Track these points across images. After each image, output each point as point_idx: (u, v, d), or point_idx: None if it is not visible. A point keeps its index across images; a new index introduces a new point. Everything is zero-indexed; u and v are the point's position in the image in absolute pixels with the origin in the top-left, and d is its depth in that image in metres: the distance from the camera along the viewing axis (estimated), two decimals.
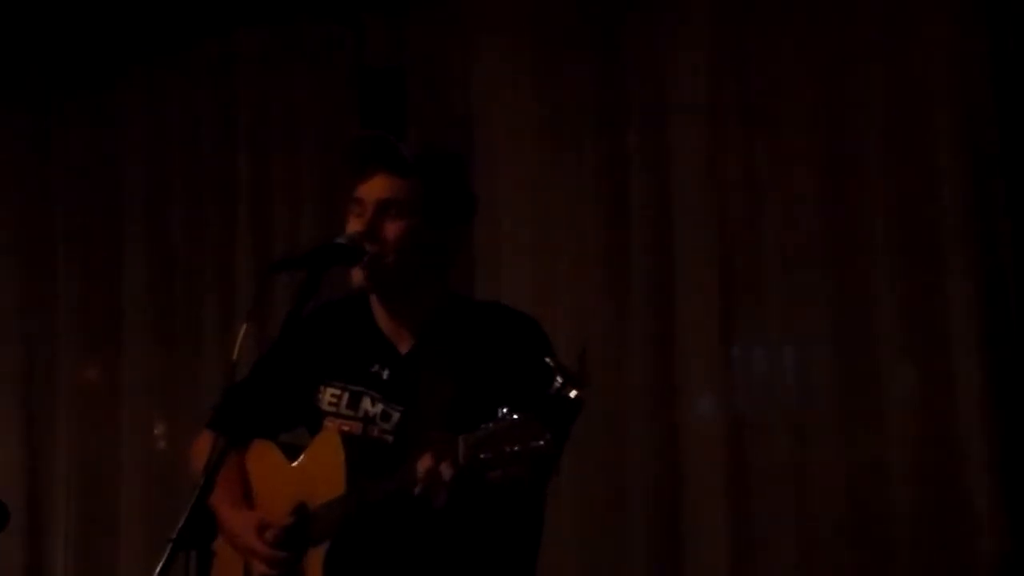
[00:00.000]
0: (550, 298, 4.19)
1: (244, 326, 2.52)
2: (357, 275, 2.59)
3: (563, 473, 2.26)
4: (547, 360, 2.20)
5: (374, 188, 2.61)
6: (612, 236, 4.19)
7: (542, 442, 2.14)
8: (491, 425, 2.17)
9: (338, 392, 2.69)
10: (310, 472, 2.64)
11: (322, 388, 2.71)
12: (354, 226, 2.61)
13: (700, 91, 4.10)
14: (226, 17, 4.94)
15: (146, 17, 5.00)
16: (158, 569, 2.17)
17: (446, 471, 2.21)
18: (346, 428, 2.64)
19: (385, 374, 2.66)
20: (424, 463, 2.27)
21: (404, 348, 2.68)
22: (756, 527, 3.91)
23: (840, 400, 3.83)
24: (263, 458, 2.78)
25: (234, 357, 2.52)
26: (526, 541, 2.65)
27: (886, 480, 3.75)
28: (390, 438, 2.61)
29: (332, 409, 2.68)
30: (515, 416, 2.16)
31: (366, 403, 2.65)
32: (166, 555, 2.18)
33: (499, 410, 2.18)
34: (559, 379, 2.16)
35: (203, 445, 2.81)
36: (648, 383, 4.08)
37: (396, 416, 2.62)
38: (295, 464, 2.70)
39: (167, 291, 5.14)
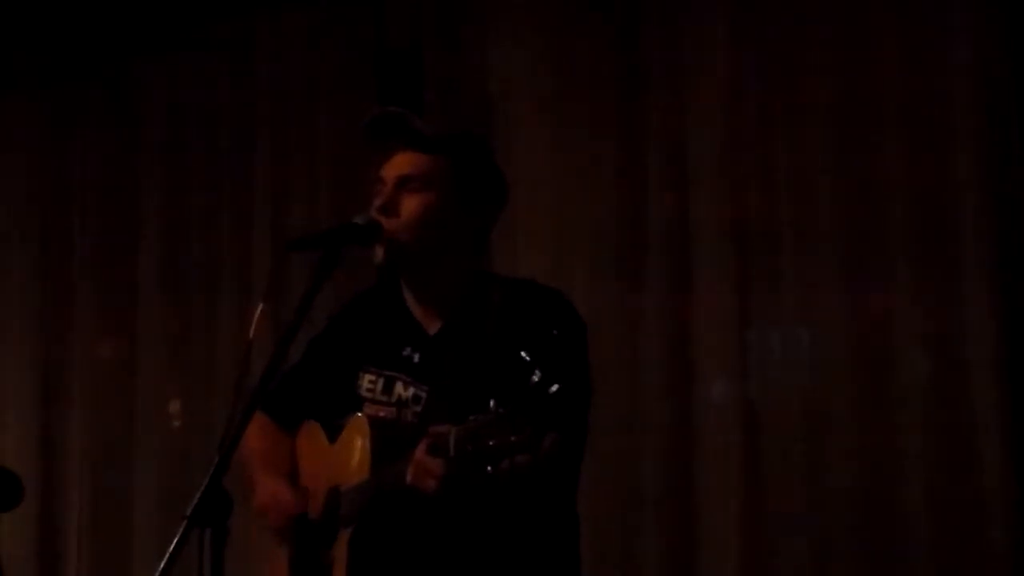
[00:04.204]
0: (567, 277, 4.18)
1: (260, 306, 2.50)
2: (378, 252, 2.59)
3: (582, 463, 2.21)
4: (522, 355, 2.18)
5: (394, 165, 2.63)
6: (630, 217, 4.19)
7: (521, 436, 2.11)
8: (479, 417, 2.17)
9: (374, 378, 2.70)
10: (342, 456, 2.67)
11: (360, 375, 2.72)
12: (376, 204, 2.61)
13: (718, 74, 4.09)
14: None
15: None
16: (172, 546, 2.16)
17: (433, 462, 2.26)
18: (382, 413, 2.65)
19: (416, 357, 2.67)
20: (417, 453, 2.31)
21: (433, 330, 2.67)
22: (770, 511, 3.91)
23: (855, 385, 3.82)
24: (309, 438, 2.83)
25: (250, 336, 2.52)
26: (555, 533, 2.61)
27: (900, 466, 3.74)
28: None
29: (369, 395, 2.69)
30: (500, 410, 2.15)
31: (399, 387, 2.66)
32: (180, 532, 2.18)
33: (490, 402, 2.17)
34: (537, 372, 2.15)
35: (255, 427, 2.80)
36: (664, 366, 4.07)
37: (425, 398, 2.63)
38: (332, 447, 2.74)
39: (183, 269, 5.14)
